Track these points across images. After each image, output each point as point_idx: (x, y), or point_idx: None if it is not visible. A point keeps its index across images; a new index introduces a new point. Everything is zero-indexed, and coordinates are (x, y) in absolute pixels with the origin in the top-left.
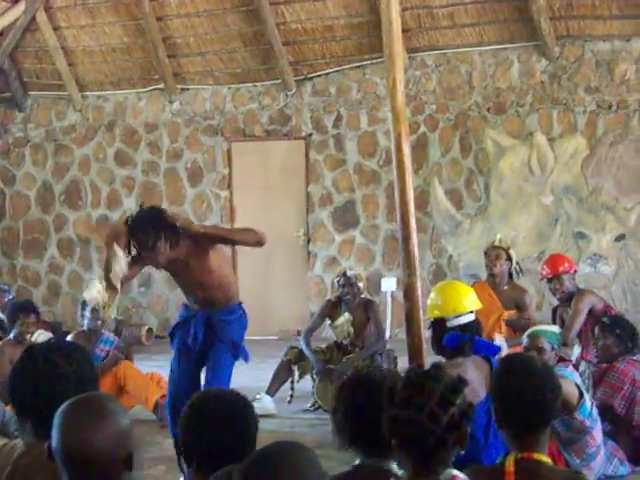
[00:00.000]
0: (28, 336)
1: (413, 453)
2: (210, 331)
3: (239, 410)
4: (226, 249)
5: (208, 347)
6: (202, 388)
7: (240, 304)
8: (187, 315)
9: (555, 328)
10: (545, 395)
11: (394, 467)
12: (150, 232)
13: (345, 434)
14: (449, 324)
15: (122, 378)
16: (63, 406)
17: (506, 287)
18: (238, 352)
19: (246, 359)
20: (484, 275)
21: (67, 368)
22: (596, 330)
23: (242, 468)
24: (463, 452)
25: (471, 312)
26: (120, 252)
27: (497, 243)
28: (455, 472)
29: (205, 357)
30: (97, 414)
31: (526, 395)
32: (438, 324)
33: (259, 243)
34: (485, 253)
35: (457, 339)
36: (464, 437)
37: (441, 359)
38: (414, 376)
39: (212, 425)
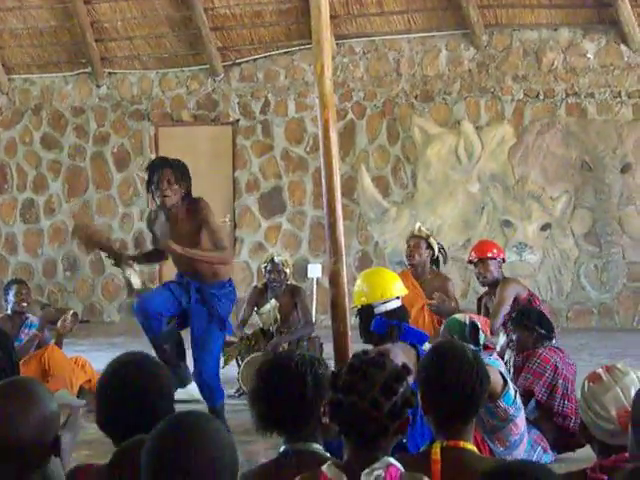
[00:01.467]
0: None
1: (353, 438)
2: (200, 297)
3: (154, 377)
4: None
5: (193, 312)
6: (194, 362)
7: (230, 280)
8: (180, 280)
9: (464, 317)
10: (474, 385)
11: (320, 450)
12: (178, 172)
13: (265, 418)
14: (376, 310)
15: (47, 362)
16: None
17: (429, 276)
18: (224, 326)
19: (230, 332)
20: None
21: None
22: (508, 325)
23: (152, 436)
24: (405, 440)
25: (397, 298)
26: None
27: (416, 232)
28: (392, 460)
29: (187, 318)
30: (23, 398)
31: (455, 384)
32: (365, 311)
33: (222, 262)
34: (406, 242)
35: (384, 325)
36: (405, 425)
37: (368, 346)
38: (358, 362)
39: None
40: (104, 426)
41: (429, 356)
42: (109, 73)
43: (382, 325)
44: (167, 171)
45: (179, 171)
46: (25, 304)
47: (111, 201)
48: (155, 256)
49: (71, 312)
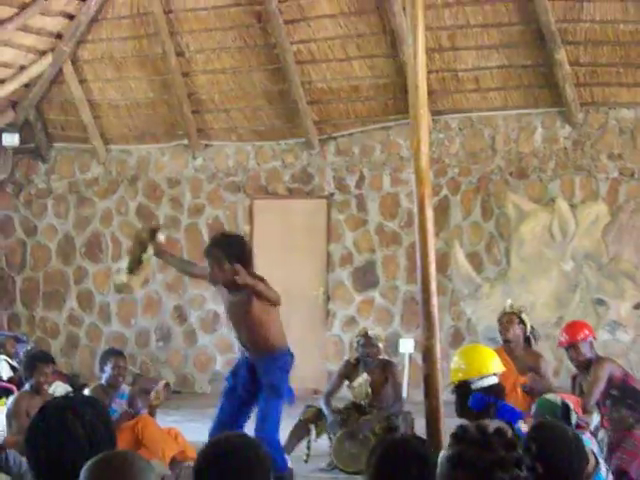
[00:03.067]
0: (46, 386)
1: None
2: (254, 376)
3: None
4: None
5: (254, 391)
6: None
7: (284, 351)
8: (239, 360)
9: (555, 397)
10: (572, 464)
11: None
12: (222, 251)
13: None
14: (474, 387)
15: (140, 432)
16: (89, 463)
17: (522, 352)
18: (279, 394)
19: (291, 400)
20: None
21: (80, 431)
22: (607, 404)
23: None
24: None
25: (494, 375)
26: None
27: (508, 309)
28: None
29: (253, 399)
30: (124, 472)
31: (555, 462)
32: (462, 387)
33: (275, 303)
34: (498, 319)
35: (482, 401)
36: None
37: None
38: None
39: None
40: None
41: (531, 434)
42: (205, 145)
43: (480, 402)
44: (215, 252)
45: (225, 246)
46: (121, 379)
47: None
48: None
49: (163, 382)
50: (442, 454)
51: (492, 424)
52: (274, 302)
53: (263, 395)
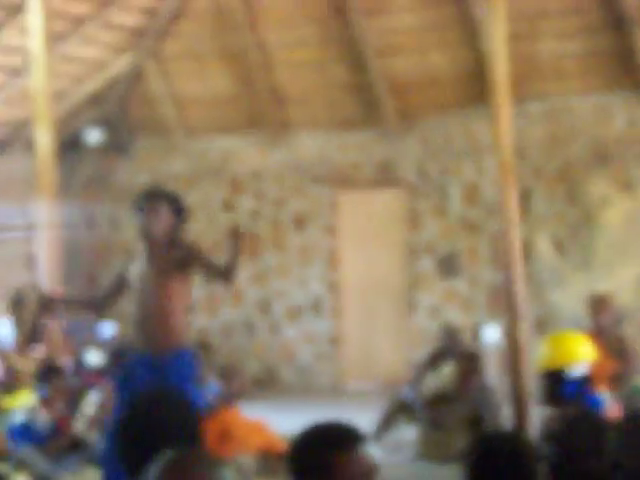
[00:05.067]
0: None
1: None
2: (157, 378)
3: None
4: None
5: None
6: None
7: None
8: (131, 364)
9: None
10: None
11: None
12: (169, 204)
13: None
14: (564, 374)
15: (228, 425)
16: (159, 464)
17: (610, 338)
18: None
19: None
20: (587, 326)
21: (170, 416)
22: None
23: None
24: None
25: (585, 362)
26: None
27: (599, 294)
28: None
29: None
30: (190, 474)
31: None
32: (552, 375)
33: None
34: (586, 305)
35: (573, 389)
36: None
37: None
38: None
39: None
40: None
41: (627, 426)
42: (287, 137)
43: (572, 389)
44: (156, 203)
45: (169, 199)
46: (205, 371)
47: (289, 264)
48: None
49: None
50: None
51: (580, 412)
52: (229, 279)
53: None
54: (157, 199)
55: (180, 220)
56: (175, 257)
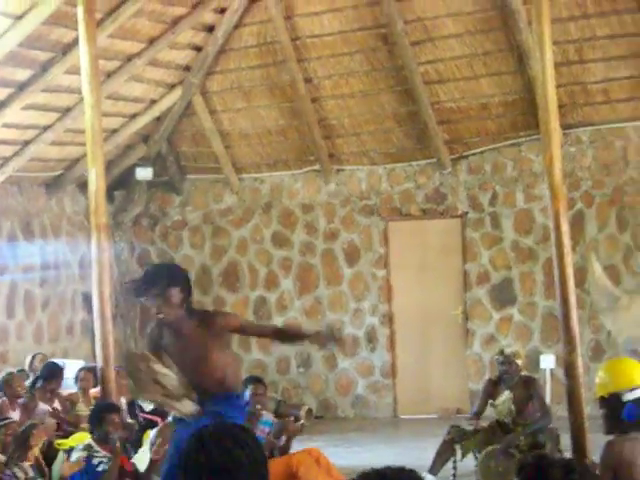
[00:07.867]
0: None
1: None
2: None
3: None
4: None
5: None
6: None
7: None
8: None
9: None
10: None
11: None
12: (164, 280)
13: None
14: (625, 398)
15: (296, 466)
16: None
17: None
18: None
19: None
20: None
21: (240, 453)
22: None
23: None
24: None
25: None
26: (162, 369)
27: None
28: None
29: None
30: None
31: None
32: (612, 400)
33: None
34: None
35: (636, 412)
36: None
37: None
38: None
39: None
40: None
41: None
42: (337, 169)
43: (634, 412)
44: (152, 289)
45: (165, 276)
46: (259, 406)
47: (342, 297)
48: None
49: (306, 408)
50: None
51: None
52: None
53: None
54: (159, 283)
55: (188, 292)
56: (201, 324)
